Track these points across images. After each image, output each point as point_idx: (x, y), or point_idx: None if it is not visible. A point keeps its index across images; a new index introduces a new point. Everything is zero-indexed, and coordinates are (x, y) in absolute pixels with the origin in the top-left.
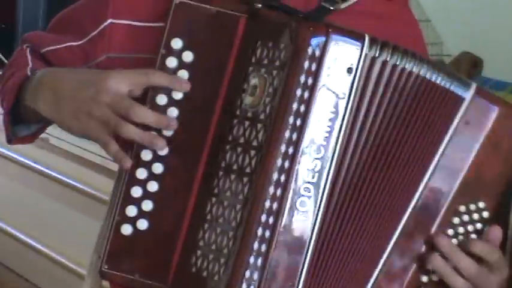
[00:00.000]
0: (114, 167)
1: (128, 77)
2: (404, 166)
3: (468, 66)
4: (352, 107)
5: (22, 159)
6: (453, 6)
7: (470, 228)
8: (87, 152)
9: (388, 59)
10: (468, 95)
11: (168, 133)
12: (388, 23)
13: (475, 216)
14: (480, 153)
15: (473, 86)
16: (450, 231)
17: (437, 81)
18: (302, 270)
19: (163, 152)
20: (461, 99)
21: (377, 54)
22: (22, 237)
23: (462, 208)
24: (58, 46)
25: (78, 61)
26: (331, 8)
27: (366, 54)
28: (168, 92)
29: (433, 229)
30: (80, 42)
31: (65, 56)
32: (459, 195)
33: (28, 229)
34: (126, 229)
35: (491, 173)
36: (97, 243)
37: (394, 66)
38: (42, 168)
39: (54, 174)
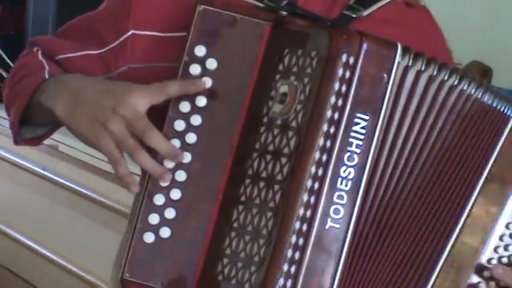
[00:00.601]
0: None
1: (149, 94)
2: (447, 179)
3: (478, 75)
4: (385, 115)
5: (31, 166)
6: (463, 15)
7: None
8: (96, 159)
9: (422, 68)
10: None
11: (191, 140)
12: (409, 30)
13: None
14: None
15: None
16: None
17: (484, 100)
18: (335, 278)
19: (186, 159)
20: (507, 118)
21: (410, 64)
22: (31, 244)
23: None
24: (75, 54)
25: (97, 71)
26: (354, 15)
27: (398, 63)
28: (191, 99)
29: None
30: (99, 51)
31: (82, 64)
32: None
33: (37, 236)
34: (149, 237)
35: None
36: (118, 255)
37: (431, 77)
38: (51, 176)
39: (63, 181)
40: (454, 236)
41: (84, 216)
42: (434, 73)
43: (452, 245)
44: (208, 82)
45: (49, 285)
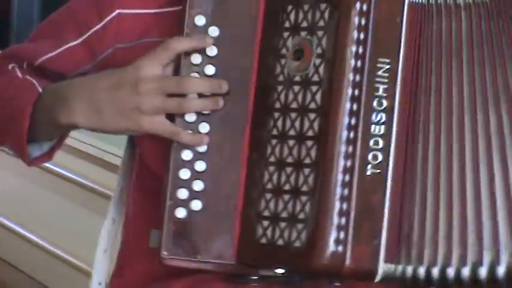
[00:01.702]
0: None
1: (155, 59)
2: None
3: None
4: (407, 55)
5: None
6: None
7: None
8: (94, 149)
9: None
10: None
11: (204, 129)
12: None
13: None
14: None
15: None
16: None
17: None
18: (382, 222)
19: (205, 129)
20: None
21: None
22: (28, 235)
23: None
24: (55, 52)
25: (83, 61)
26: None
27: (409, 2)
28: (201, 69)
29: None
30: (80, 40)
31: (65, 59)
32: None
33: (34, 227)
34: (181, 212)
35: None
36: (101, 238)
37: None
38: (50, 166)
39: (61, 171)
40: None
41: (82, 206)
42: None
43: None
44: (213, 50)
45: (45, 275)
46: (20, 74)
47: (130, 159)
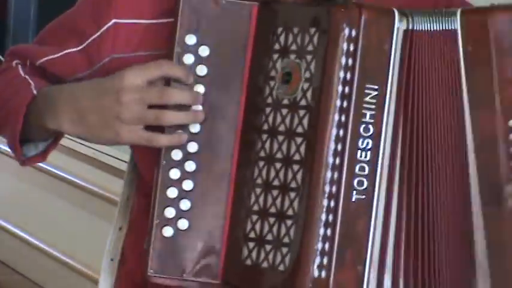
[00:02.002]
0: (124, 167)
1: (142, 71)
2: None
3: None
4: (393, 81)
5: None
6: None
7: None
8: (94, 151)
9: (415, 27)
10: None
11: (195, 129)
12: None
13: None
14: (500, 68)
15: (458, 12)
16: None
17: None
18: (367, 248)
19: (193, 149)
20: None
21: (410, 27)
22: (26, 236)
23: None
24: (56, 55)
25: (80, 67)
26: None
27: (398, 28)
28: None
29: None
30: (80, 48)
31: (64, 64)
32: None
33: (33, 229)
34: (168, 231)
35: None
36: (108, 246)
37: (421, 32)
38: (50, 168)
39: (60, 173)
40: None
41: (83, 209)
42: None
43: None
44: (203, 70)
45: (47, 279)
46: (21, 72)
47: (135, 167)
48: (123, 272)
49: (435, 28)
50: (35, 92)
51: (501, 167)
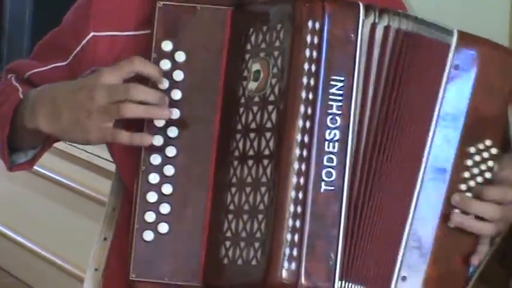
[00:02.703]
0: (113, 168)
1: (116, 68)
2: (411, 120)
3: None
4: (360, 73)
5: None
6: (442, 6)
7: (483, 167)
8: (87, 154)
9: (381, 22)
10: (453, 40)
11: (173, 134)
12: None
13: (485, 154)
14: (475, 94)
15: (455, 31)
16: (466, 174)
17: (423, 33)
18: (338, 239)
19: (172, 153)
20: (447, 46)
21: (377, 20)
22: (20, 239)
23: (472, 149)
24: (43, 68)
25: (65, 79)
26: None
27: (363, 21)
28: (167, 92)
29: (449, 175)
30: (65, 62)
31: (50, 76)
32: (466, 138)
33: (27, 232)
34: (148, 235)
35: (489, 110)
36: (92, 256)
37: (388, 27)
38: (43, 171)
39: (54, 176)
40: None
41: (74, 210)
42: (396, 25)
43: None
44: (180, 75)
45: (38, 280)
46: (14, 82)
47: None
48: (107, 278)
49: (430, 36)
50: (21, 95)
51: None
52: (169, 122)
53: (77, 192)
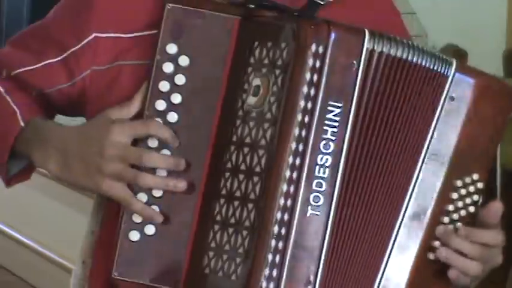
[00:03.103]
0: None
1: (129, 128)
2: (401, 150)
3: None
4: (356, 101)
5: None
6: (439, 3)
7: (468, 201)
8: None
9: (384, 50)
10: (451, 72)
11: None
12: (367, 12)
13: (471, 188)
14: (467, 126)
15: (454, 62)
16: (451, 207)
17: (423, 63)
18: (319, 264)
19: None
20: (445, 77)
21: (375, 47)
22: (16, 235)
23: (458, 183)
24: (35, 66)
25: (60, 79)
26: (321, 2)
27: (367, 49)
28: (166, 97)
29: (432, 206)
30: (59, 58)
31: (44, 75)
32: (454, 170)
33: (22, 227)
34: (134, 235)
35: (480, 144)
36: (82, 249)
37: (388, 56)
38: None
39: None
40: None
41: (54, 199)
42: (397, 54)
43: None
44: (181, 79)
45: (26, 271)
46: (1, 89)
47: None
48: (93, 271)
49: (429, 66)
50: (22, 124)
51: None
52: (167, 126)
53: (78, 190)
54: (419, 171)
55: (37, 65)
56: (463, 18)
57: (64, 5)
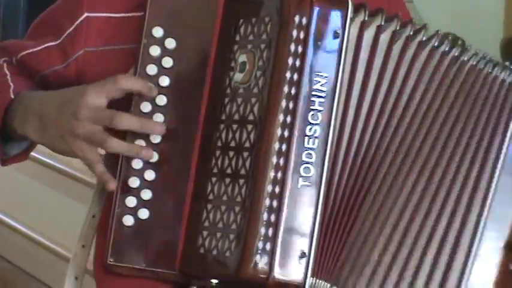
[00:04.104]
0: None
1: (101, 88)
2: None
3: None
4: (344, 70)
5: None
6: (436, 5)
7: None
8: None
9: (382, 23)
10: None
11: (158, 120)
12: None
13: None
14: None
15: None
16: None
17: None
18: (313, 235)
19: (157, 139)
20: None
21: (366, 19)
22: (15, 224)
23: None
24: (35, 49)
25: (56, 60)
26: None
27: (351, 19)
28: (154, 80)
29: None
30: (57, 42)
31: (42, 57)
32: None
33: (21, 216)
34: (128, 220)
35: None
36: (81, 233)
37: (394, 32)
38: (38, 156)
39: (49, 161)
40: None
41: (53, 188)
42: (397, 28)
43: None
44: (169, 61)
45: (24, 260)
46: (6, 70)
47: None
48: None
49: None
50: (12, 96)
51: None
52: (155, 109)
53: (74, 178)
54: None
55: (37, 48)
56: (460, 7)
57: None
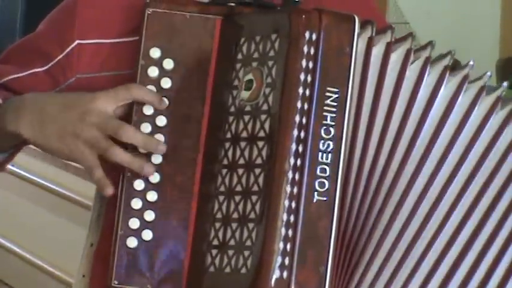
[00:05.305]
0: None
1: (113, 97)
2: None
3: None
4: (354, 85)
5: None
6: (432, 8)
7: None
8: None
9: (393, 40)
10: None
11: (157, 160)
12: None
13: None
14: None
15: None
16: None
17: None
18: (329, 249)
19: (158, 160)
20: None
21: (374, 34)
22: (9, 245)
23: None
24: (21, 74)
25: (45, 86)
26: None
27: (358, 34)
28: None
29: None
30: (45, 68)
31: (29, 83)
32: None
33: (16, 237)
34: (132, 242)
35: None
36: (81, 263)
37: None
38: (32, 177)
39: (43, 182)
40: None
41: (47, 209)
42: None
43: None
44: (167, 82)
45: (22, 283)
46: None
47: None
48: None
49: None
50: (0, 100)
51: None
52: (155, 130)
53: (67, 199)
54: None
55: (23, 73)
56: (456, 28)
57: (49, 19)
